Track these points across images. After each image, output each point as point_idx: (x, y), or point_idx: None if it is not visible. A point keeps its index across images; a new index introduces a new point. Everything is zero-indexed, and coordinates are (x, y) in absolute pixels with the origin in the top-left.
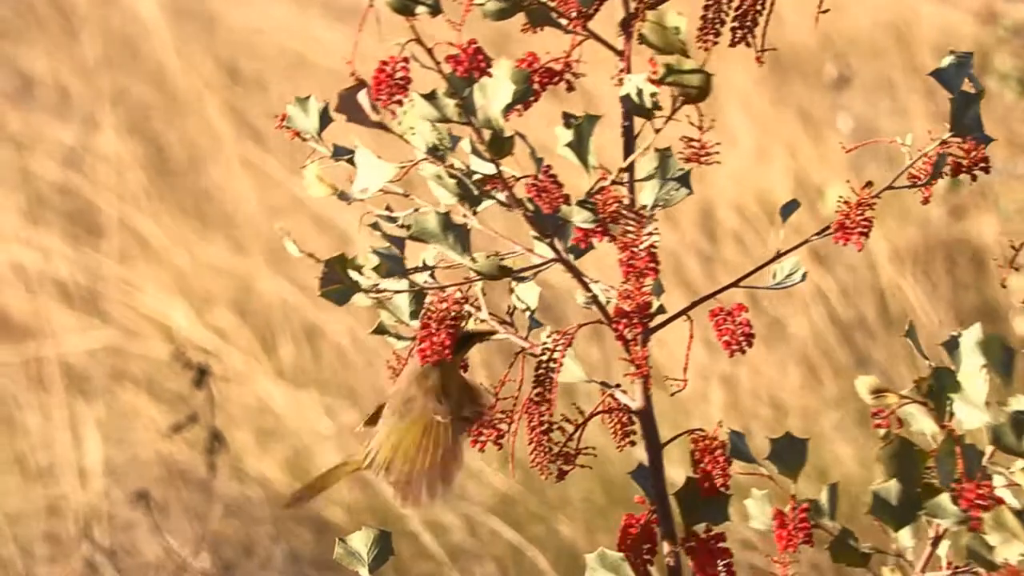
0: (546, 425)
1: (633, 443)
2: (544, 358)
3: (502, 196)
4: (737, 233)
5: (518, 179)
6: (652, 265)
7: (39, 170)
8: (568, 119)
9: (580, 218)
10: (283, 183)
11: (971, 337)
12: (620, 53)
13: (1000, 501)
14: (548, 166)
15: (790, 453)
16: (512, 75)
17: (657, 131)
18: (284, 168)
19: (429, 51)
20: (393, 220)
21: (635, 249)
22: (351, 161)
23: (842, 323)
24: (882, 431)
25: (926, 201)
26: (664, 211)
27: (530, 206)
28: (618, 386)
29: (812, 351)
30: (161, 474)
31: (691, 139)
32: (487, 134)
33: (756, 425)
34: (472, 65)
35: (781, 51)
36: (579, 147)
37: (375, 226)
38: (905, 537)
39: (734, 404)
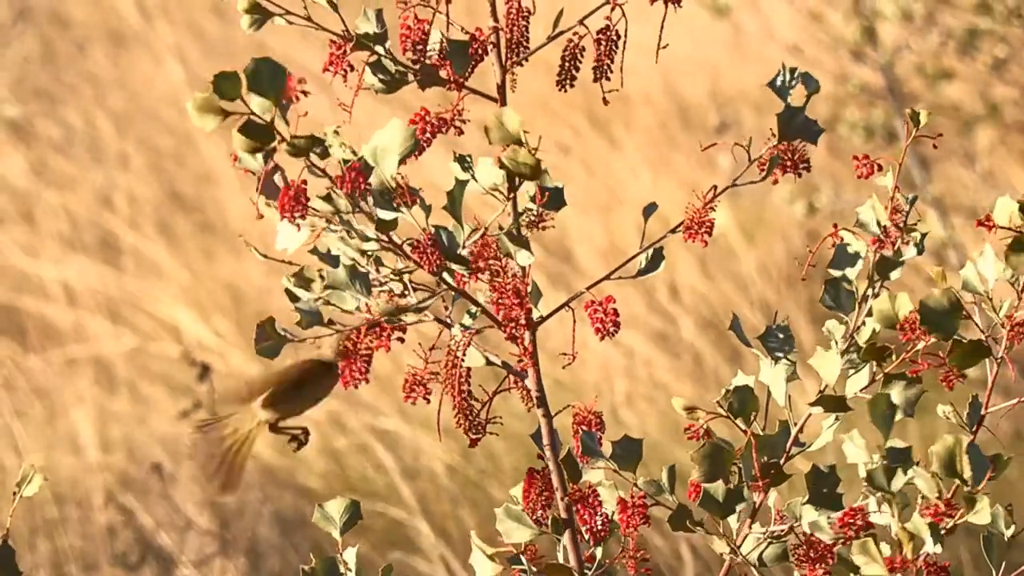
0: (466, 392)
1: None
2: (454, 348)
3: (394, 249)
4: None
5: (405, 241)
6: (518, 302)
7: (77, 204)
8: (461, 161)
9: (457, 269)
10: (273, 217)
11: (779, 337)
12: (497, 100)
13: (869, 525)
14: (429, 232)
15: (628, 452)
16: (401, 133)
17: (510, 198)
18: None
19: (323, 171)
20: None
21: (503, 291)
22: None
23: (721, 323)
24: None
25: (775, 182)
26: (577, 231)
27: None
28: (520, 370)
29: (697, 346)
30: (172, 450)
31: (530, 210)
32: (377, 212)
33: (648, 406)
34: (354, 184)
35: (677, 103)
36: (453, 209)
37: (296, 278)
38: (732, 520)
39: (634, 392)
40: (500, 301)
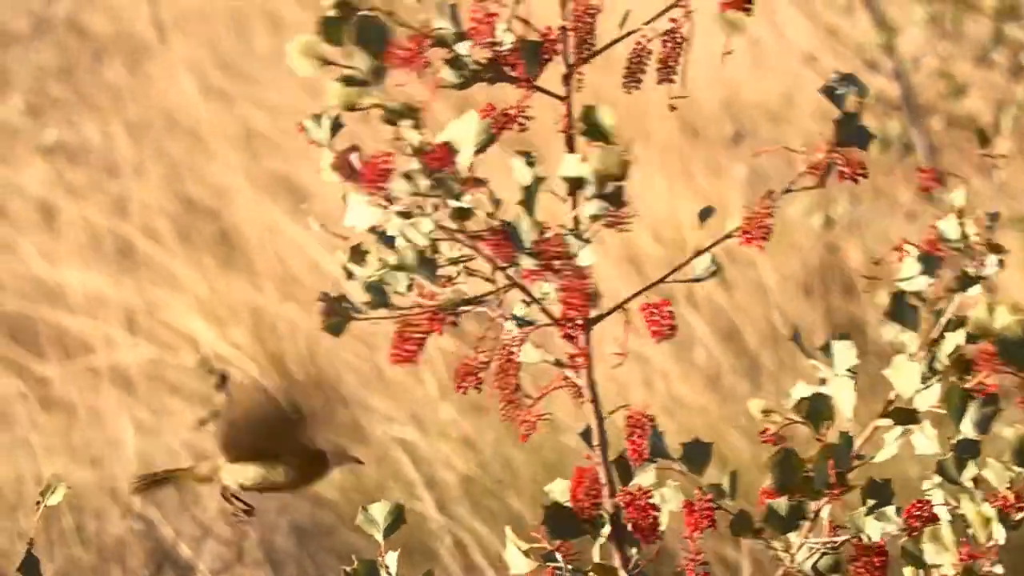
0: (514, 386)
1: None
2: (509, 345)
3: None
4: (656, 255)
5: (480, 232)
6: (585, 306)
7: (94, 214)
8: (526, 156)
9: (527, 263)
10: (289, 228)
11: (843, 348)
12: (563, 99)
13: (935, 517)
14: (503, 224)
15: (697, 455)
16: (477, 126)
17: (588, 199)
18: (289, 215)
19: (412, 147)
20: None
21: (571, 291)
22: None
23: (739, 334)
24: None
25: (823, 185)
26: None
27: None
28: (571, 366)
29: (714, 356)
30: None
31: (611, 211)
32: (452, 203)
33: (666, 418)
34: (444, 161)
35: (692, 114)
36: (528, 204)
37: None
38: (792, 536)
39: (652, 402)
40: (569, 300)
